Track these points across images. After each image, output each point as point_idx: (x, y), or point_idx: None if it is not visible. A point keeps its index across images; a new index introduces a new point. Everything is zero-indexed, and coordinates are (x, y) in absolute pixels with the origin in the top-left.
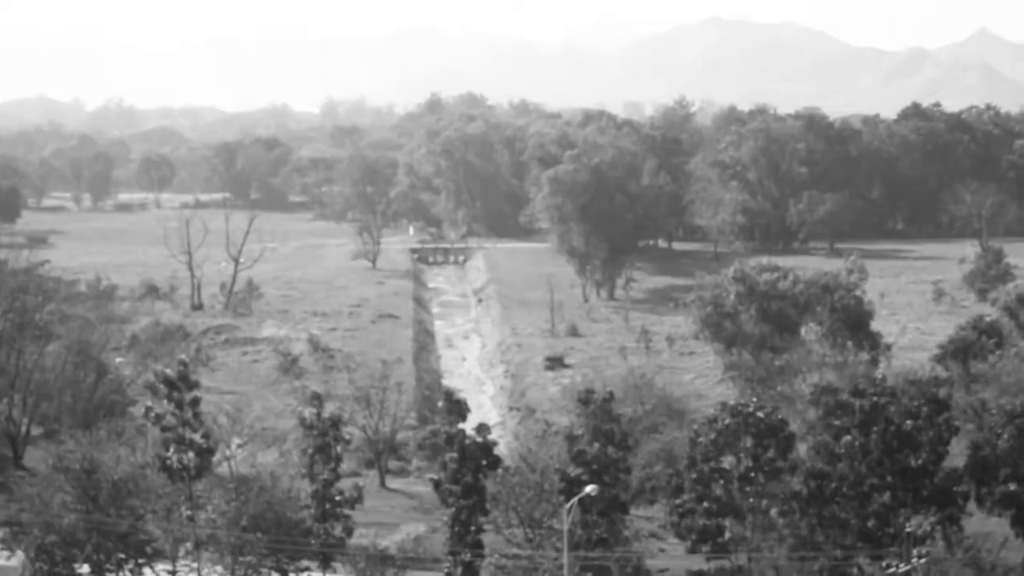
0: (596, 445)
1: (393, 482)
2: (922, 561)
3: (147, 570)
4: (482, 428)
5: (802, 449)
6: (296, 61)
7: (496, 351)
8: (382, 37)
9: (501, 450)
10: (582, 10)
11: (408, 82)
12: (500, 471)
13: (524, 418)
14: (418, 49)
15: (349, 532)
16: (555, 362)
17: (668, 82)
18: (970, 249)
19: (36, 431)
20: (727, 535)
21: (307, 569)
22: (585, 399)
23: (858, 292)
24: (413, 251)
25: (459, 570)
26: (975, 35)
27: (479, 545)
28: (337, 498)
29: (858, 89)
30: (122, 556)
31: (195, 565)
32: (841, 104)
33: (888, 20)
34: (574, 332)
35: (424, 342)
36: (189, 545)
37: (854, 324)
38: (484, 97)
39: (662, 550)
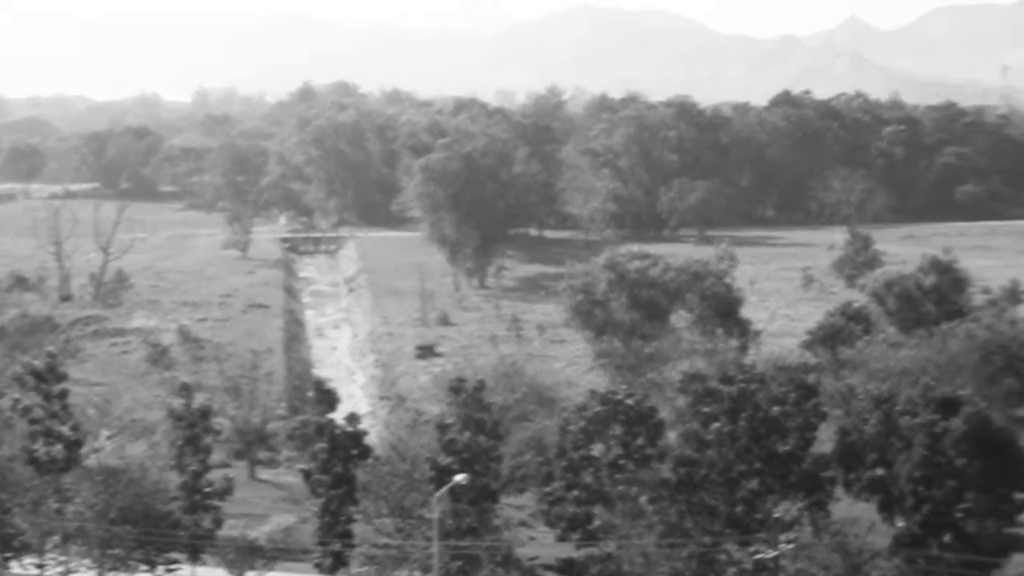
0: (467, 434)
1: (263, 473)
2: (789, 547)
3: (14, 564)
4: (352, 418)
5: (671, 436)
6: (166, 47)
7: (367, 340)
8: (253, 24)
9: (371, 440)
10: None
11: (280, 70)
12: (370, 461)
13: (395, 407)
14: (289, 36)
15: (218, 523)
16: (426, 351)
17: (540, 70)
18: (839, 236)
19: None
20: (596, 523)
21: (176, 561)
22: (456, 388)
23: (728, 279)
24: (284, 240)
25: (329, 560)
26: (845, 22)
27: (349, 535)
28: (206, 489)
29: (729, 77)
30: None
31: (63, 559)
32: (712, 92)
33: (758, 8)
34: (445, 321)
35: (295, 332)
36: (57, 538)
37: (724, 311)
38: (356, 85)
39: (532, 538)
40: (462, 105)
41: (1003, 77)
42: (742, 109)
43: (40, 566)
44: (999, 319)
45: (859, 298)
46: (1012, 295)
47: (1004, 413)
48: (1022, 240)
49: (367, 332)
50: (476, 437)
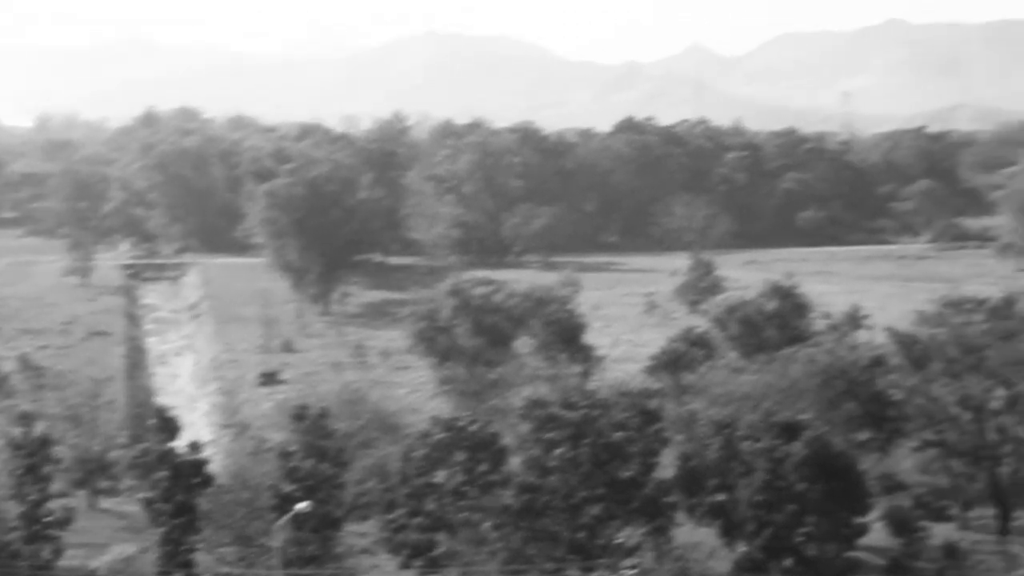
0: (309, 461)
1: (104, 502)
2: (632, 572)
3: None
4: (194, 446)
5: (515, 463)
6: (6, 72)
7: (210, 368)
8: (95, 48)
9: (214, 468)
10: (297, 22)
11: (122, 94)
12: (212, 489)
13: (237, 435)
14: (132, 61)
15: (58, 553)
16: (269, 378)
17: (385, 96)
18: (682, 261)
19: None
20: (440, 550)
21: None
22: (298, 415)
23: (571, 305)
24: (127, 267)
25: None
26: (688, 50)
27: (190, 565)
28: (46, 519)
29: (573, 103)
30: None
31: None
32: (556, 118)
33: (602, 35)
34: (289, 348)
35: (137, 360)
36: None
37: (567, 337)
38: (200, 110)
39: (375, 566)
40: (307, 131)
41: (843, 104)
42: (586, 135)
43: None
44: (839, 344)
45: (701, 324)
46: (852, 320)
47: (844, 437)
48: (862, 265)
49: (210, 359)
50: (319, 465)
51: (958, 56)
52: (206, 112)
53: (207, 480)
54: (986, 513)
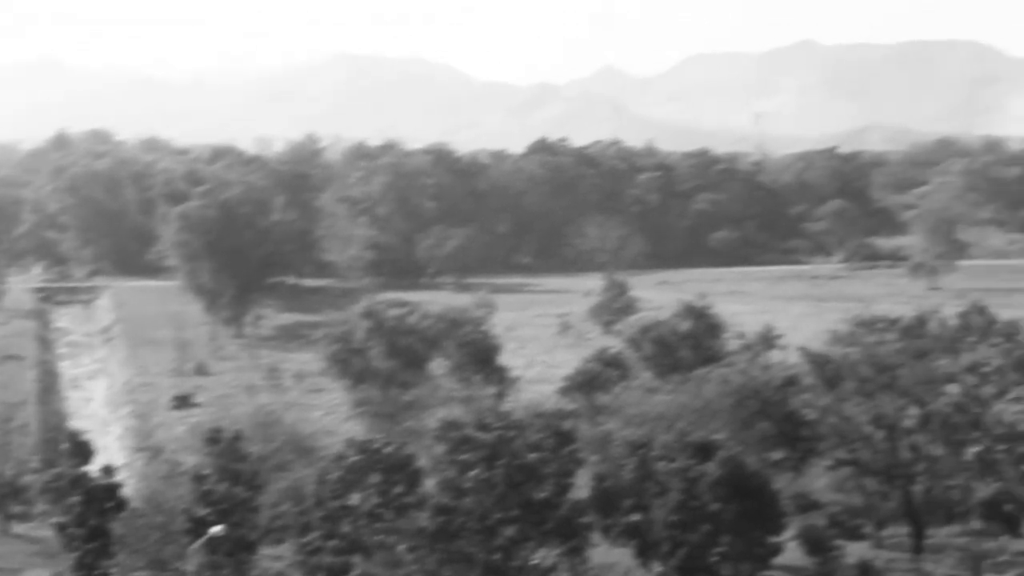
0: (223, 485)
1: (17, 527)
2: None
3: None
4: (108, 470)
5: (429, 484)
6: None
7: (123, 391)
8: (3, 68)
9: (127, 492)
10: (210, 44)
11: (33, 117)
12: (126, 513)
13: (151, 459)
14: (43, 83)
15: None
16: (183, 401)
17: (298, 118)
18: (595, 282)
19: None
20: (355, 572)
21: None
22: (212, 438)
23: (485, 326)
24: (38, 290)
25: None
26: (601, 71)
27: None
28: None
29: (487, 124)
30: None
31: None
32: (470, 139)
33: (515, 56)
34: (202, 371)
35: (49, 383)
36: None
37: (482, 358)
38: (112, 133)
39: None
40: (219, 153)
41: (756, 124)
42: (499, 156)
43: None
44: (753, 364)
45: (615, 344)
46: (765, 340)
47: (758, 457)
48: (775, 285)
49: (123, 383)
50: (233, 488)
51: (868, 77)
52: (118, 134)
53: (121, 504)
54: (900, 531)
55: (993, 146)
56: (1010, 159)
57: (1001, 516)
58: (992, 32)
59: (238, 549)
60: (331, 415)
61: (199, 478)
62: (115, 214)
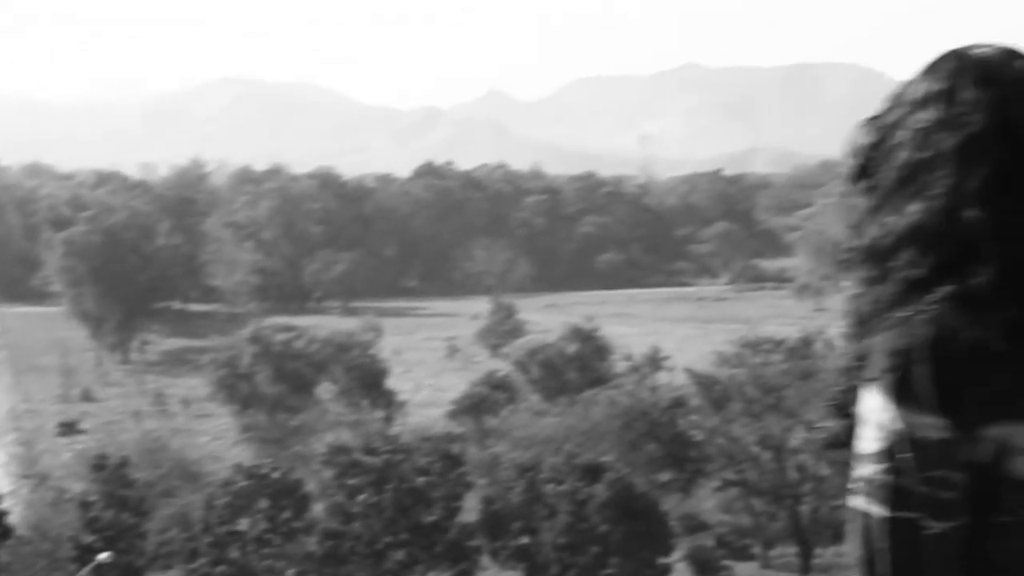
0: (110, 511)
1: None
2: None
3: None
4: None
5: (318, 509)
6: None
7: (7, 418)
8: None
9: (13, 519)
10: (92, 69)
11: None
12: (12, 541)
13: (37, 486)
14: None
15: None
16: (68, 428)
17: (183, 142)
18: (483, 305)
19: None
20: None
21: None
22: (98, 465)
23: (373, 350)
24: None
25: None
26: (487, 95)
27: None
28: None
29: (373, 148)
30: None
31: None
32: (356, 163)
33: (401, 80)
34: (88, 397)
35: None
36: None
37: (369, 382)
38: None
39: None
40: (104, 178)
41: (641, 147)
42: (386, 180)
43: None
44: (640, 386)
45: (503, 367)
46: (652, 362)
47: (646, 478)
48: (661, 307)
49: (7, 410)
50: (120, 514)
51: (753, 100)
52: (1, 159)
53: (6, 532)
54: (788, 551)
55: None
56: None
57: None
58: (874, 55)
59: (125, 575)
60: (218, 440)
61: (85, 505)
62: None
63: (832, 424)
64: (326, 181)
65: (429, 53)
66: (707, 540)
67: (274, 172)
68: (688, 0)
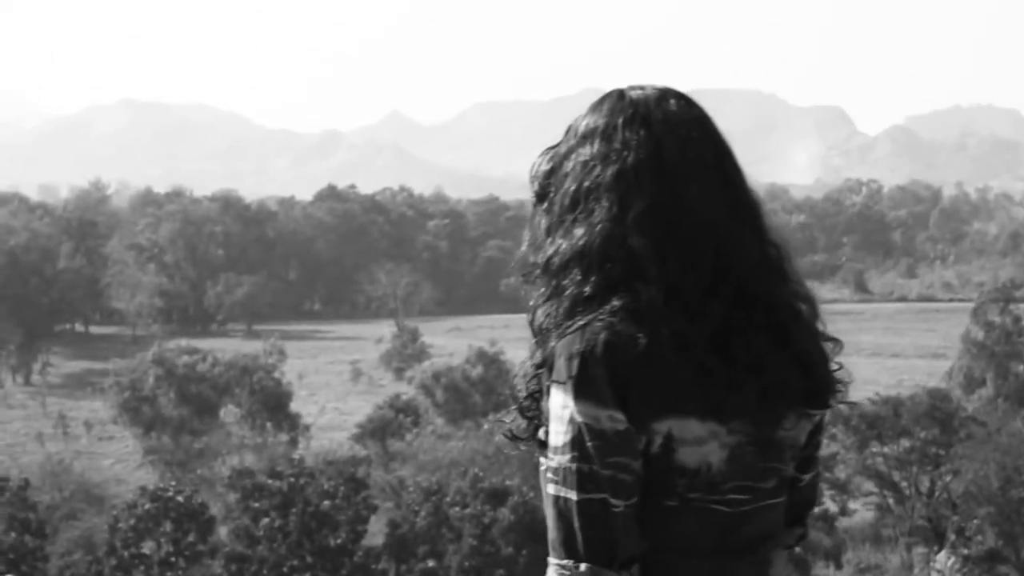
0: (12, 534)
1: None
2: None
3: None
4: None
5: (223, 532)
6: None
7: None
8: None
9: None
10: None
11: None
12: None
13: None
14: None
15: None
16: None
17: (82, 164)
18: (387, 329)
19: None
20: None
21: None
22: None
23: (277, 373)
24: None
25: None
26: (387, 118)
27: None
28: None
29: (272, 170)
30: None
31: None
32: (256, 185)
33: (300, 102)
34: None
35: None
36: None
37: (273, 405)
38: None
39: None
40: (3, 200)
41: None
42: (287, 203)
43: None
44: None
45: (407, 391)
46: None
47: None
48: None
49: None
50: (22, 537)
51: None
52: None
53: None
54: None
55: (778, 193)
56: (794, 206)
57: (792, 558)
58: (774, 81)
59: None
60: (122, 463)
61: None
62: None
63: (516, 420)
64: (228, 203)
65: (328, 76)
66: None
67: (176, 194)
68: (587, 25)
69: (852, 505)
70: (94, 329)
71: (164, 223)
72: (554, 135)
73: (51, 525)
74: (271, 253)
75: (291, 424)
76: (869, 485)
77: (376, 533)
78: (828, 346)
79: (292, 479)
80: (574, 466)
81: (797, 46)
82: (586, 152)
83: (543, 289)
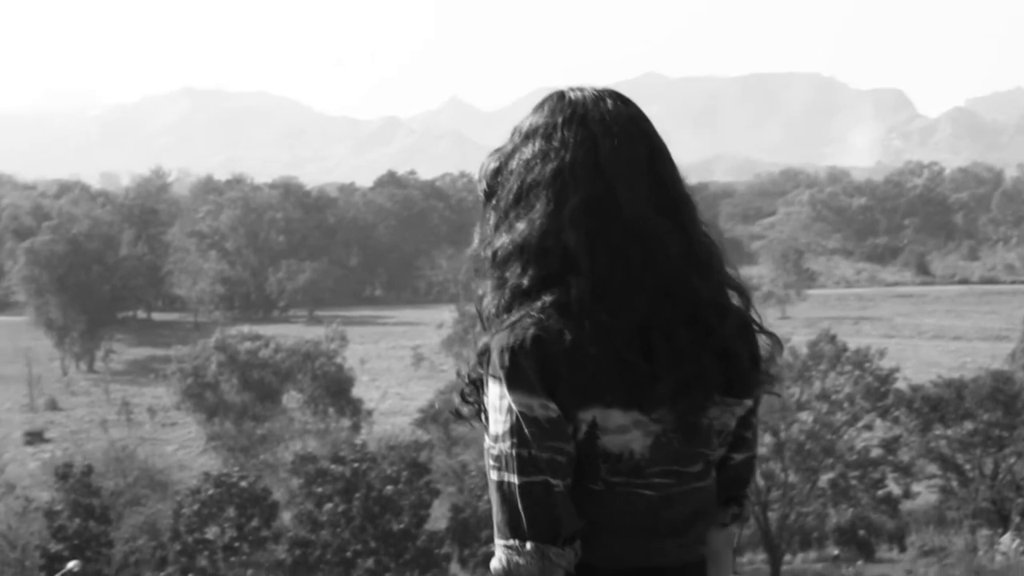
0: (77, 520)
1: None
2: None
3: None
4: None
5: (286, 517)
6: None
7: None
8: None
9: None
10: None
11: None
12: None
13: (3, 495)
14: None
15: None
16: (34, 437)
17: (144, 152)
18: (448, 314)
19: None
20: None
21: None
22: (63, 474)
23: (339, 359)
24: None
25: None
26: (447, 104)
27: None
28: None
29: (333, 157)
30: None
31: None
32: (316, 172)
33: (361, 90)
34: (54, 406)
35: None
36: None
37: (335, 391)
38: None
39: None
40: (65, 188)
41: None
42: (348, 190)
43: None
44: None
45: None
46: None
47: None
48: None
49: None
50: (86, 523)
51: (714, 109)
52: None
53: None
54: (757, 557)
55: (838, 176)
56: (855, 189)
57: (856, 541)
58: (834, 64)
59: None
60: (185, 449)
61: (51, 514)
62: None
63: (460, 405)
64: (288, 190)
65: (388, 63)
66: None
67: (236, 181)
68: (648, 10)
69: (915, 488)
70: (156, 316)
71: (225, 210)
72: None
73: (115, 511)
74: (332, 239)
75: (353, 409)
76: (932, 467)
77: (439, 517)
78: (763, 339)
79: (355, 464)
80: (514, 452)
81: (857, 29)
82: (528, 151)
83: (490, 281)
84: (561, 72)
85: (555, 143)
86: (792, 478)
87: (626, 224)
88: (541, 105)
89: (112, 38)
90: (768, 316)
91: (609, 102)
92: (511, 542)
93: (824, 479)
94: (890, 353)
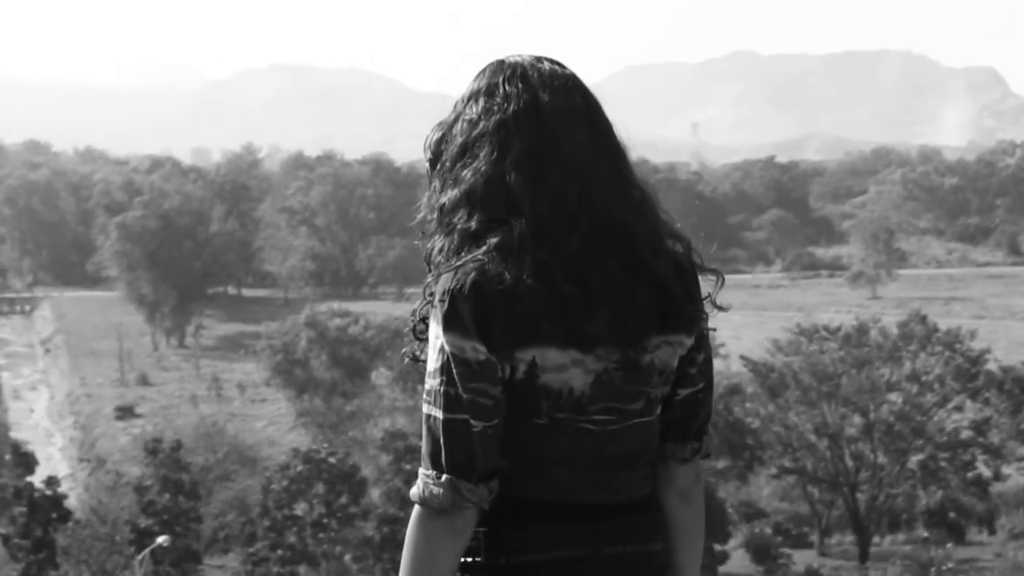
0: (166, 495)
1: None
2: None
3: None
4: (51, 481)
5: (375, 494)
6: None
7: (65, 402)
8: None
9: (71, 502)
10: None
11: None
12: (70, 524)
13: (95, 469)
14: None
15: None
16: (125, 412)
17: (235, 127)
18: None
19: None
20: None
21: None
22: (152, 449)
23: None
24: None
25: None
26: None
27: None
28: None
29: (423, 134)
30: None
31: None
32: (408, 148)
33: (453, 66)
34: (144, 381)
35: None
36: None
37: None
38: (48, 143)
39: None
40: (157, 163)
41: (693, 134)
42: None
43: None
44: None
45: None
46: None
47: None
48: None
49: (65, 394)
50: (176, 498)
51: (804, 87)
52: (54, 145)
53: (65, 515)
54: (845, 539)
55: (930, 155)
56: (947, 169)
57: (946, 524)
58: (926, 42)
59: (183, 559)
60: (274, 425)
61: (141, 489)
62: (53, 225)
63: (413, 344)
64: (379, 167)
65: (476, 39)
66: (765, 528)
67: (327, 158)
68: None
69: (1006, 470)
70: (246, 292)
71: (315, 186)
72: (703, 98)
73: (205, 486)
74: None
75: None
76: (1023, 450)
77: None
78: (704, 279)
79: None
80: (442, 389)
81: (949, 6)
82: (471, 112)
83: (437, 230)
84: (651, 49)
85: (498, 98)
86: (881, 459)
87: (565, 166)
88: (482, 72)
89: (205, 14)
90: (858, 296)
91: (547, 64)
92: (430, 472)
93: (914, 461)
94: (981, 334)
